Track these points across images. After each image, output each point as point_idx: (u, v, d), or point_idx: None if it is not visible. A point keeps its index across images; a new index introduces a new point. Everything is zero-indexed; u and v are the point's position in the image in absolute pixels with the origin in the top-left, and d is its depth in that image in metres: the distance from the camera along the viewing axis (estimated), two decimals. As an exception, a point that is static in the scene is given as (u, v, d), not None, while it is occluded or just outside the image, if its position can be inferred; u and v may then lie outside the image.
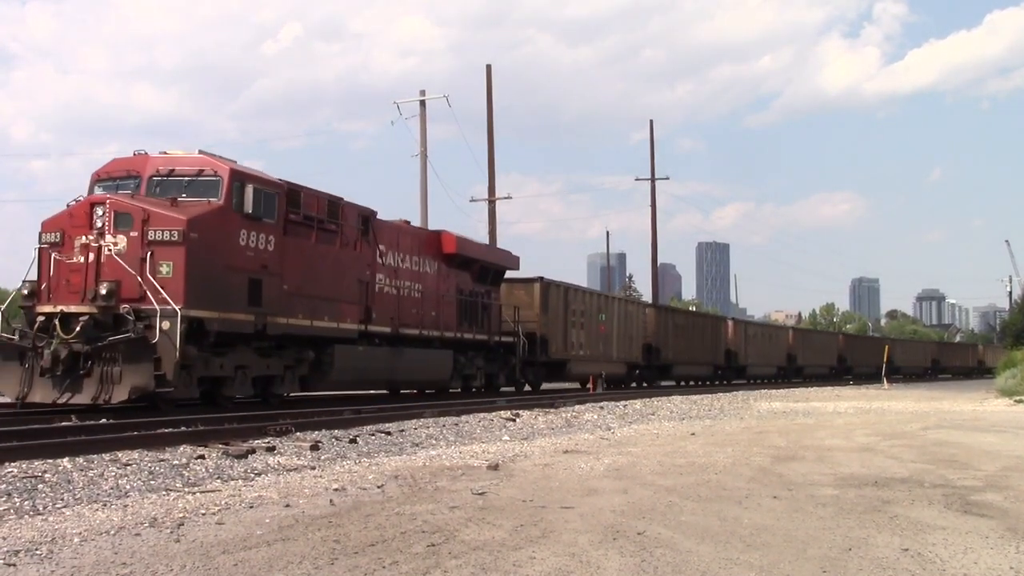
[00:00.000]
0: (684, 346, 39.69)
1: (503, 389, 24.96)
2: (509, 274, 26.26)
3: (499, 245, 38.31)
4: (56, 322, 12.65)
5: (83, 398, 12.56)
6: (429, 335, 20.32)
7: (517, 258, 26.31)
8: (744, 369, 46.38)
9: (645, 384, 36.15)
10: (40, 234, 13.72)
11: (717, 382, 43.66)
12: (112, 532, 5.09)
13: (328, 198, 16.75)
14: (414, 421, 13.39)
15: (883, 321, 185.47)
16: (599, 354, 31.53)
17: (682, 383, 40.67)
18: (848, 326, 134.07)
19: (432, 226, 34.35)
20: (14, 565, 4.34)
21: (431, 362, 20.46)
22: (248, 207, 14.27)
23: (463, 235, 22.75)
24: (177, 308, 12.62)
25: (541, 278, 27.50)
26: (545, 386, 28.78)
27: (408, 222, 21.52)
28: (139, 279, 12.79)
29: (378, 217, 19.05)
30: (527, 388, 26.69)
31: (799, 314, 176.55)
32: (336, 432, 11.23)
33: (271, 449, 9.29)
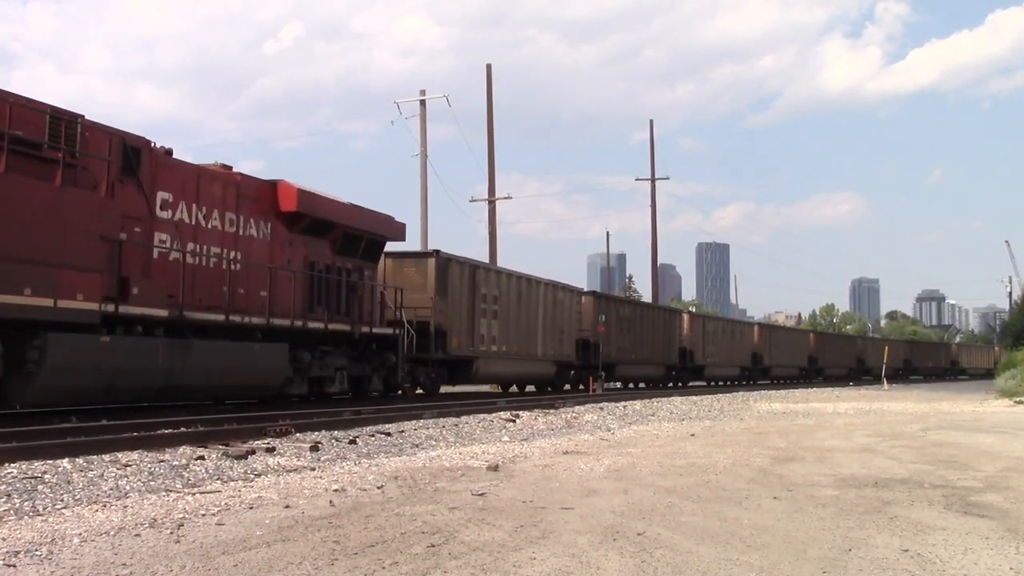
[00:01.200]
0: (630, 342, 34.21)
1: (417, 397, 20.44)
2: (395, 247, 21.09)
3: (499, 245, 37.48)
4: None
5: None
6: (245, 322, 14.69)
7: (402, 226, 20.30)
8: (702, 370, 41.68)
9: (582, 387, 30.22)
10: None
11: (671, 384, 38.30)
12: (112, 533, 5.09)
13: (51, 111, 11.58)
14: (414, 422, 13.40)
15: (883, 322, 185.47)
16: (519, 350, 25.87)
17: (630, 385, 36.57)
18: (848, 327, 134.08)
19: (432, 227, 33.93)
20: (14, 566, 4.34)
21: (245, 360, 14.69)
22: None
23: (313, 189, 17.26)
24: None
25: (437, 252, 22.17)
26: (448, 390, 24.06)
27: (228, 167, 15.68)
28: None
29: (168, 154, 14.01)
30: (420, 392, 21.43)
31: (799, 315, 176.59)
32: (336, 433, 11.23)
33: (271, 450, 9.29)
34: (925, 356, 78.07)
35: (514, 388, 29.49)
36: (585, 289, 35.74)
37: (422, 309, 20.84)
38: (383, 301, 19.73)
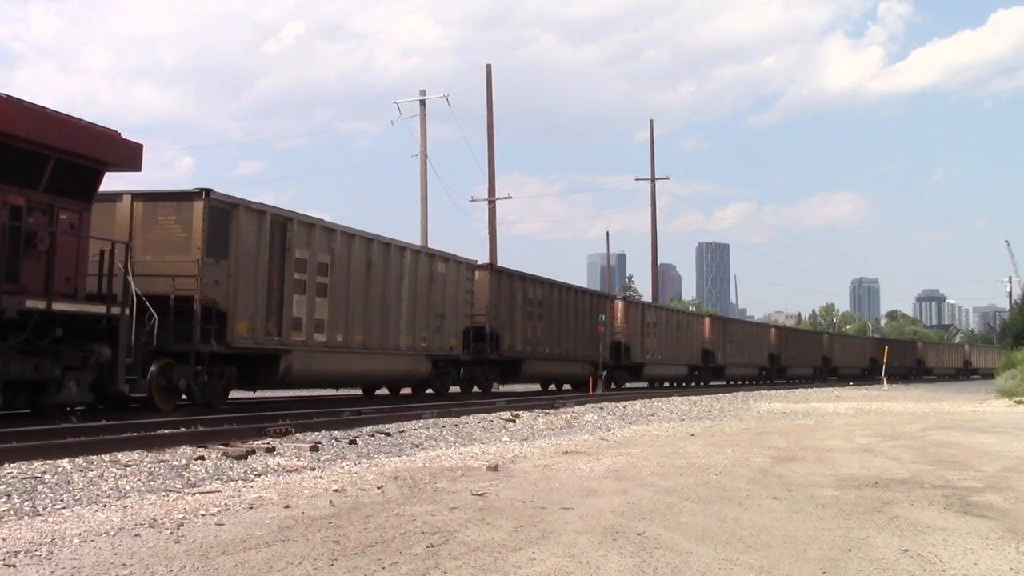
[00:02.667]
0: (543, 332, 27.47)
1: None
2: (146, 186, 15.43)
3: (500, 245, 36.48)
4: None
5: None
6: None
7: (135, 147, 12.67)
8: (641, 368, 35.20)
9: (478, 390, 24.57)
10: None
11: (589, 388, 29.54)
12: (112, 533, 5.08)
13: None
14: (414, 422, 13.40)
15: (883, 322, 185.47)
16: (368, 341, 18.76)
17: (542, 388, 30.66)
18: (848, 327, 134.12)
19: (433, 227, 33.57)
20: (14, 566, 4.34)
21: None
22: None
23: None
24: None
25: (207, 191, 14.49)
26: (240, 397, 17.88)
27: None
28: None
29: None
30: (185, 402, 14.64)
31: (799, 315, 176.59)
32: (336, 433, 11.23)
33: (271, 450, 9.29)
34: (892, 355, 71.18)
35: (386, 393, 22.94)
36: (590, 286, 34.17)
37: (183, 278, 14.01)
38: (112, 264, 12.38)
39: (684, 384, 39.49)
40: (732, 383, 45.16)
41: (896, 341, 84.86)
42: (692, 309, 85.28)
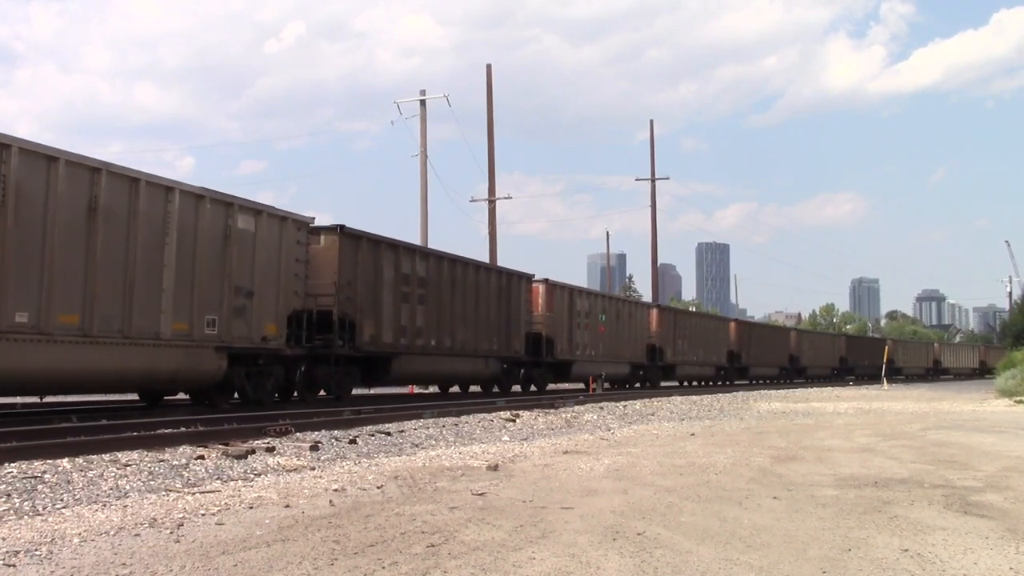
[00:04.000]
0: (436, 318, 21.36)
1: None
2: None
3: (500, 245, 35.68)
4: None
5: None
6: None
7: None
8: (569, 366, 28.91)
9: (324, 394, 18.70)
10: None
11: (500, 392, 25.27)
12: (112, 533, 5.09)
13: None
14: (414, 422, 13.40)
15: (883, 322, 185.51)
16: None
17: (435, 393, 26.37)
18: (848, 326, 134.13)
19: (433, 227, 33.51)
20: (14, 566, 4.34)
21: None
22: None
23: None
24: None
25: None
26: None
27: None
28: None
29: None
30: None
31: (799, 315, 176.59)
32: (336, 433, 11.23)
33: (271, 450, 9.29)
34: (861, 354, 65.69)
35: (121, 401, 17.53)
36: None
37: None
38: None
39: (628, 386, 34.39)
40: (686, 384, 39.87)
41: (867, 339, 78.37)
42: (693, 308, 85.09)
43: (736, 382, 45.20)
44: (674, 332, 38.50)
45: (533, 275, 27.30)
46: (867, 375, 62.51)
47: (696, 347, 40.62)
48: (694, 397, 26.78)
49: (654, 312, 37.78)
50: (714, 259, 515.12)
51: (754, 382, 47.00)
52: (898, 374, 69.35)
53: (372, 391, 22.18)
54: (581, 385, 30.74)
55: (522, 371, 26.95)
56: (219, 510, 5.84)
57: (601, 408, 18.78)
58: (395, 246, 20.22)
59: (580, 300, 30.37)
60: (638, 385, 35.29)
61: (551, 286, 28.44)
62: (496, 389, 25.84)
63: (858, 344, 67.93)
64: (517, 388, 26.92)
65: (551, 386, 29.23)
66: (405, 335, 20.10)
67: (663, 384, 36.69)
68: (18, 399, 15.85)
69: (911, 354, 77.01)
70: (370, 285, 18.94)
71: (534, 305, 27.37)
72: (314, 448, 9.63)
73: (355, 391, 19.71)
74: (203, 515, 5.65)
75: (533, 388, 27.48)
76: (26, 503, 6.06)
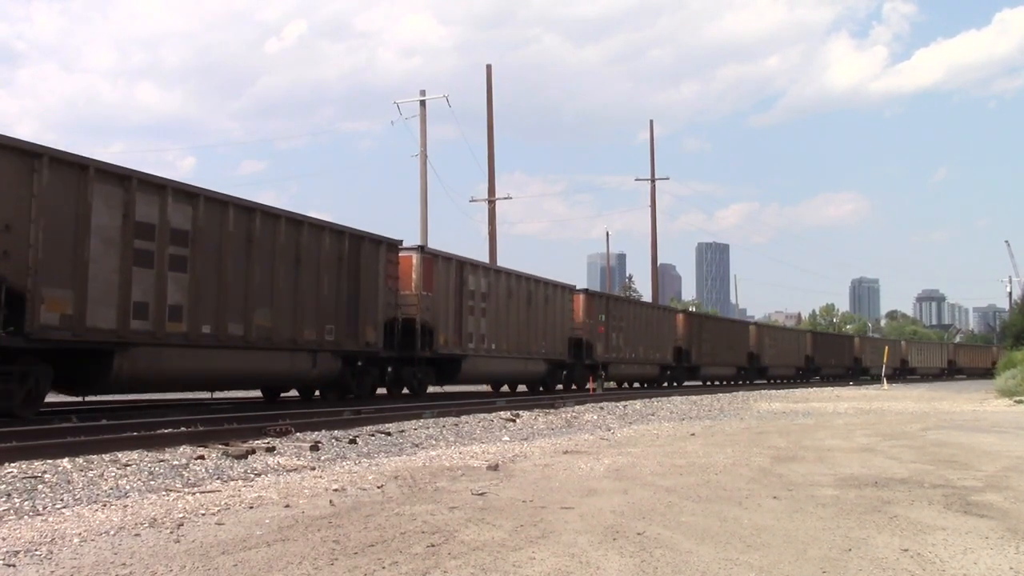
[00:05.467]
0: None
1: None
2: None
3: (500, 245, 34.44)
4: None
5: None
6: None
7: None
8: (459, 363, 22.60)
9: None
10: None
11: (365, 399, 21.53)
12: (112, 532, 5.09)
13: None
14: (414, 422, 13.40)
15: (883, 322, 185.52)
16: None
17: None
18: (848, 327, 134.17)
19: (434, 227, 33.03)
20: (14, 566, 4.34)
21: None
22: None
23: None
24: None
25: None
26: None
27: None
28: None
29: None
30: None
31: (799, 315, 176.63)
32: (336, 433, 11.23)
33: (271, 449, 9.29)
34: (828, 353, 60.30)
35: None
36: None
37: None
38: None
39: (542, 389, 28.05)
40: (626, 386, 35.07)
41: (833, 336, 71.85)
42: (692, 308, 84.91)
43: (686, 383, 39.40)
44: (608, 323, 31.88)
45: (400, 241, 20.40)
46: (833, 376, 58.42)
47: (635, 342, 34.04)
48: (694, 397, 26.79)
49: (580, 298, 30.18)
50: (714, 259, 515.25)
51: (706, 384, 42.03)
52: (864, 374, 65.02)
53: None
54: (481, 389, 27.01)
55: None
56: (219, 510, 5.84)
57: (601, 408, 18.78)
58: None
59: (474, 277, 23.50)
60: (560, 387, 28.70)
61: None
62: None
63: (825, 341, 62.10)
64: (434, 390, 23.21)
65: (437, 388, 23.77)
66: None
67: (576, 388, 29.61)
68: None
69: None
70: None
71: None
72: (314, 448, 9.63)
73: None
74: (203, 515, 5.65)
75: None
76: (26, 503, 6.06)
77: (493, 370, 25.11)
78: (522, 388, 28.65)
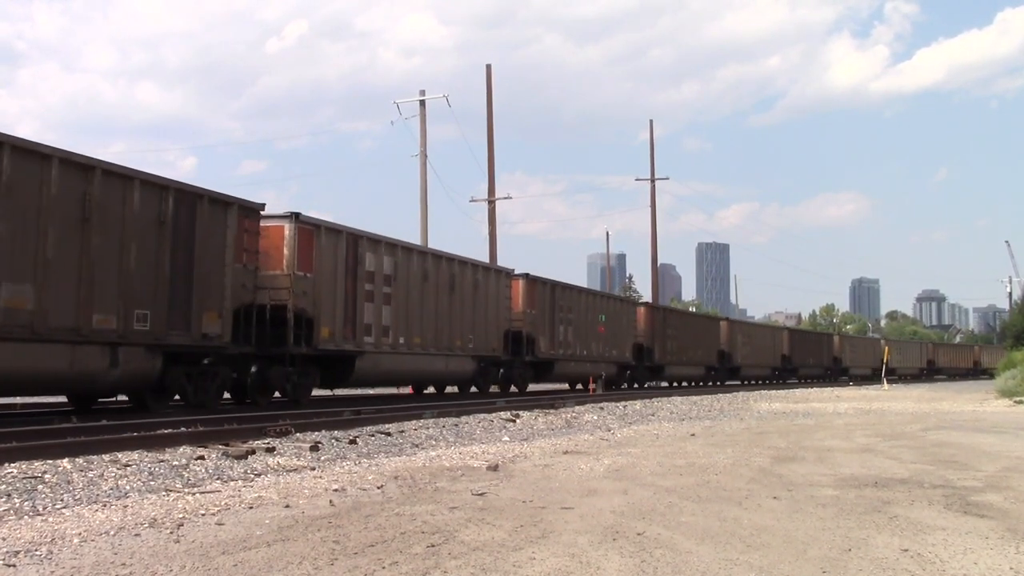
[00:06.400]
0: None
1: None
2: None
3: (501, 245, 31.73)
4: None
5: None
6: None
7: None
8: (345, 369, 18.75)
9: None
10: None
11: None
12: (112, 533, 5.09)
13: None
14: (414, 422, 13.40)
15: (883, 322, 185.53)
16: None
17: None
18: (848, 327, 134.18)
19: (434, 227, 32.60)
20: (14, 566, 4.34)
21: None
22: None
23: None
24: None
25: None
26: None
27: None
28: None
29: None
30: None
31: (799, 315, 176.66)
32: (336, 433, 11.23)
33: (271, 450, 9.29)
34: (807, 352, 56.74)
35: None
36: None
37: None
38: None
39: (472, 389, 24.76)
40: (575, 389, 31.06)
41: (812, 334, 66.22)
42: (693, 309, 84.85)
43: (648, 385, 36.49)
44: (551, 316, 27.70)
45: (262, 205, 16.02)
46: (812, 376, 55.68)
47: (587, 337, 30.24)
48: (694, 397, 26.79)
49: (520, 284, 26.08)
50: (714, 259, 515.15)
51: (673, 385, 39.29)
52: (845, 374, 62.26)
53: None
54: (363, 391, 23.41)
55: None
56: (219, 510, 5.84)
57: (601, 408, 18.79)
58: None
59: (374, 255, 19.27)
60: (495, 389, 25.62)
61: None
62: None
63: (803, 340, 57.95)
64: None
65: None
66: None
67: (532, 388, 27.76)
68: (17, 399, 15.90)
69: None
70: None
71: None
72: (314, 448, 9.63)
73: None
74: (203, 515, 5.65)
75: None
76: (26, 503, 6.06)
77: (401, 369, 20.62)
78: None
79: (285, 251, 16.54)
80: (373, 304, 19.02)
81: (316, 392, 19.94)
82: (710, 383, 42.28)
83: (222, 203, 14.97)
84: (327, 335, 17.39)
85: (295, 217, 16.71)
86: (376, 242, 19.31)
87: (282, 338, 16.25)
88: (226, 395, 16.49)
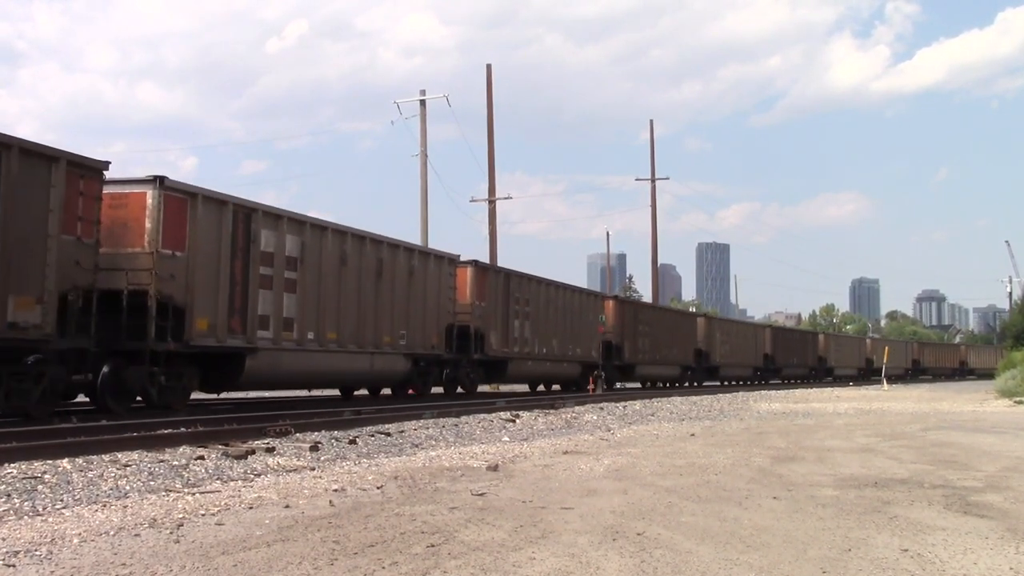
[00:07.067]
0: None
1: None
2: None
3: (501, 245, 33.15)
4: None
5: None
6: None
7: None
8: (233, 369, 14.84)
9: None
10: None
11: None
12: (111, 533, 5.08)
13: None
14: (414, 422, 13.40)
15: (883, 322, 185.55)
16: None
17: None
18: (848, 327, 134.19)
19: (434, 227, 32.12)
20: (13, 566, 4.34)
21: None
22: None
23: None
24: None
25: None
26: None
27: None
28: None
29: None
30: None
31: (799, 315, 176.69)
32: (336, 433, 11.23)
33: (271, 450, 9.29)
34: (789, 352, 54.19)
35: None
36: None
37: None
38: None
39: (417, 392, 21.96)
40: (541, 393, 28.06)
41: (796, 333, 62.76)
42: (692, 309, 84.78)
43: (618, 387, 33.34)
44: (505, 309, 24.83)
45: (102, 164, 12.87)
46: (795, 377, 53.60)
47: (547, 333, 27.30)
48: (694, 398, 26.79)
49: (467, 273, 23.55)
50: (714, 259, 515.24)
51: (646, 386, 36.64)
52: (829, 375, 59.45)
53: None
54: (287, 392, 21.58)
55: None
56: (219, 510, 5.84)
57: (601, 408, 18.80)
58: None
59: (272, 232, 16.06)
60: (441, 390, 23.03)
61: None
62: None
63: (786, 339, 55.44)
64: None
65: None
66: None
67: (481, 396, 23.25)
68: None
69: (844, 353, 66.38)
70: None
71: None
72: (314, 448, 9.63)
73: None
74: (203, 515, 5.65)
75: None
76: (26, 503, 6.06)
77: (310, 369, 17.32)
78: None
79: (147, 224, 13.48)
80: (272, 291, 15.69)
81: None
82: (687, 384, 39.28)
83: (44, 157, 11.88)
84: (204, 327, 14.32)
85: (160, 182, 13.59)
86: (277, 217, 15.97)
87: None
88: (82, 398, 14.03)
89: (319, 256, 17.14)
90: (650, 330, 35.91)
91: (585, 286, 32.86)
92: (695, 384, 39.99)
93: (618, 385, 33.55)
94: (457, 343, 22.22)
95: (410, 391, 21.63)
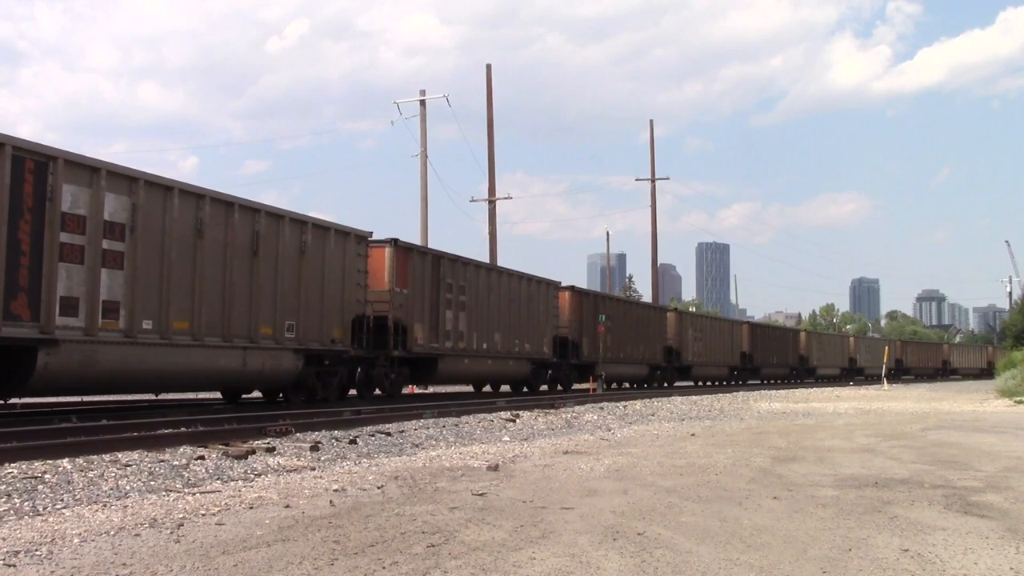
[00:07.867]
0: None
1: None
2: None
3: (501, 245, 32.12)
4: None
5: None
6: None
7: None
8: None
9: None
10: None
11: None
12: (112, 533, 5.09)
13: None
14: (414, 422, 13.40)
15: (883, 322, 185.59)
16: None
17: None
18: (848, 327, 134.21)
19: (434, 227, 32.46)
20: (14, 566, 4.34)
21: None
22: None
23: None
24: None
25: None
26: None
27: None
28: None
29: None
30: None
31: (799, 315, 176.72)
32: (336, 433, 11.23)
33: (271, 450, 9.29)
34: (769, 350, 50.72)
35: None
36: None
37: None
38: None
39: (305, 399, 17.74)
40: (482, 391, 26.98)
41: (714, 318, 52.72)
42: (693, 309, 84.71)
43: (576, 387, 30.15)
44: (433, 298, 21.47)
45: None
46: (775, 377, 50.97)
47: (490, 327, 24.11)
48: (694, 397, 26.80)
49: (386, 255, 20.14)
50: (715, 259, 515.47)
51: (610, 387, 33.06)
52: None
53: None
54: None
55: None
56: (219, 510, 5.84)
57: (601, 408, 18.80)
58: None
59: (75, 186, 12.10)
60: (366, 392, 20.16)
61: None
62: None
63: (766, 336, 51.72)
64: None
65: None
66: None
67: (415, 401, 20.47)
68: (17, 400, 15.88)
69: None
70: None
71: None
72: (314, 448, 9.63)
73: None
74: (203, 515, 5.65)
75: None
76: (26, 503, 6.06)
77: (144, 367, 13.20)
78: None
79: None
80: (83, 266, 12.07)
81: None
82: (655, 384, 36.08)
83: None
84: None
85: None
86: (92, 170, 12.19)
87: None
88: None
89: (161, 224, 13.43)
90: (613, 325, 32.13)
91: (586, 286, 30.17)
92: (665, 385, 37.07)
93: (575, 387, 30.06)
94: (373, 338, 18.85)
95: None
